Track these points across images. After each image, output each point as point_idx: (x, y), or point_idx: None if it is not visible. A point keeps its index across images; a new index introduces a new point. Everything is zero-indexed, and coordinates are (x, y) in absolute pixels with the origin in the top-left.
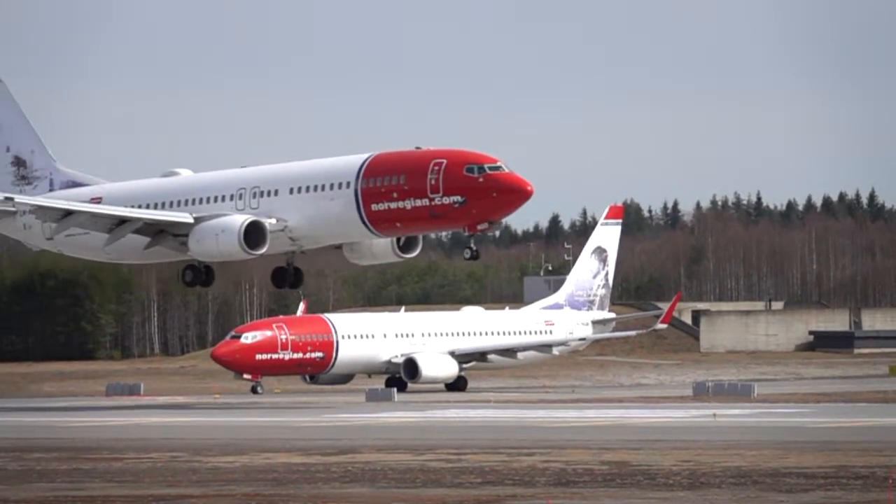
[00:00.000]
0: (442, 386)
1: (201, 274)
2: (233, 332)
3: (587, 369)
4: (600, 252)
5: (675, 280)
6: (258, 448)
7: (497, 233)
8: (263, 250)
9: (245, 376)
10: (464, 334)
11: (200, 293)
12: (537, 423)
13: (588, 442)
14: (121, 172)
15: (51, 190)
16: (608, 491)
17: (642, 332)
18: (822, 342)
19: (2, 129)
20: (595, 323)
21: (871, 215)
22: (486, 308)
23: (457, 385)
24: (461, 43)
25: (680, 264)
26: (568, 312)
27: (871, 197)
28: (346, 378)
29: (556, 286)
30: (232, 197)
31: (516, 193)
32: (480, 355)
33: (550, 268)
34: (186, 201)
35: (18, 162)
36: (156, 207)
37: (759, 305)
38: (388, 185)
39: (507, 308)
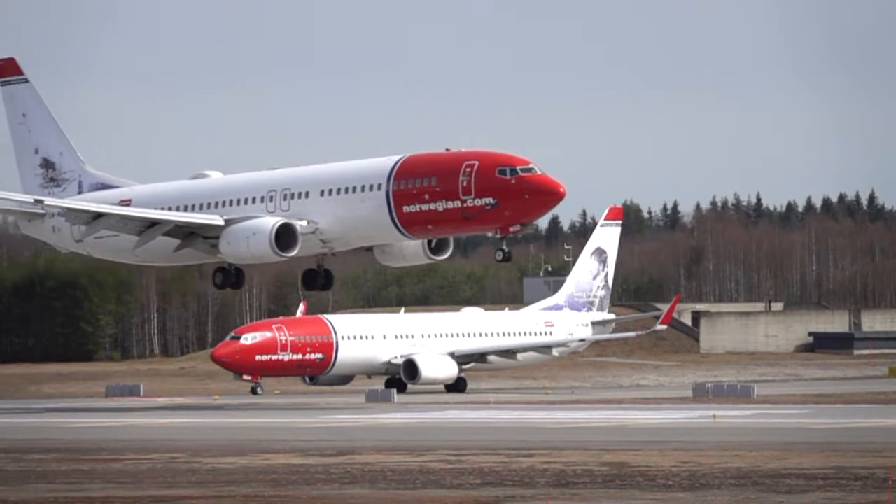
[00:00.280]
0: (441, 387)
1: (231, 276)
2: (232, 334)
3: (587, 370)
4: (600, 253)
5: (674, 281)
6: (257, 449)
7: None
8: (294, 252)
9: (245, 377)
10: (463, 335)
11: (200, 294)
12: (537, 425)
13: (587, 443)
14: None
15: (80, 192)
16: (608, 492)
17: (642, 334)
18: (822, 343)
19: (30, 131)
20: (595, 324)
21: (871, 216)
22: (486, 309)
23: (456, 386)
24: (459, 44)
25: (680, 265)
26: (568, 313)
27: (871, 198)
28: (345, 379)
29: (556, 287)
30: (262, 199)
31: (549, 195)
32: (480, 356)
33: (550, 269)
34: (216, 203)
35: (47, 164)
36: (185, 209)
37: (759, 307)
38: (420, 187)
39: (506, 309)
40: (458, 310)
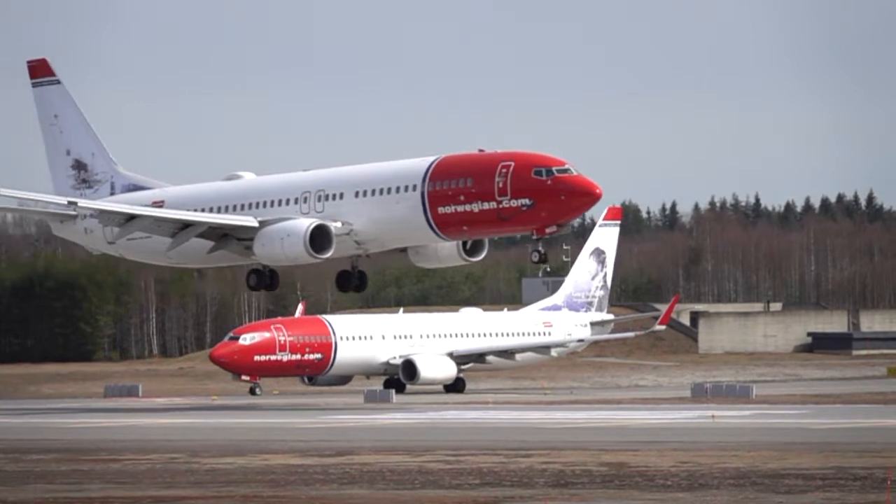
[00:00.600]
0: (440, 387)
1: (266, 278)
2: (231, 334)
3: (585, 370)
4: (599, 253)
5: (673, 281)
6: (256, 449)
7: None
8: (329, 254)
9: (243, 377)
10: (462, 336)
11: (198, 294)
12: (536, 425)
13: (586, 443)
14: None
15: (112, 193)
16: (606, 492)
17: (640, 334)
18: (821, 343)
19: (62, 132)
20: (593, 324)
21: (870, 217)
22: (485, 309)
23: (455, 386)
24: (459, 44)
25: (678, 266)
26: (566, 314)
27: (870, 198)
28: (344, 379)
29: (555, 287)
30: (296, 200)
31: (585, 196)
32: (479, 357)
33: (549, 269)
34: (250, 205)
35: (79, 165)
36: (219, 211)
37: (758, 307)
38: (455, 188)
39: (505, 309)
40: (456, 310)
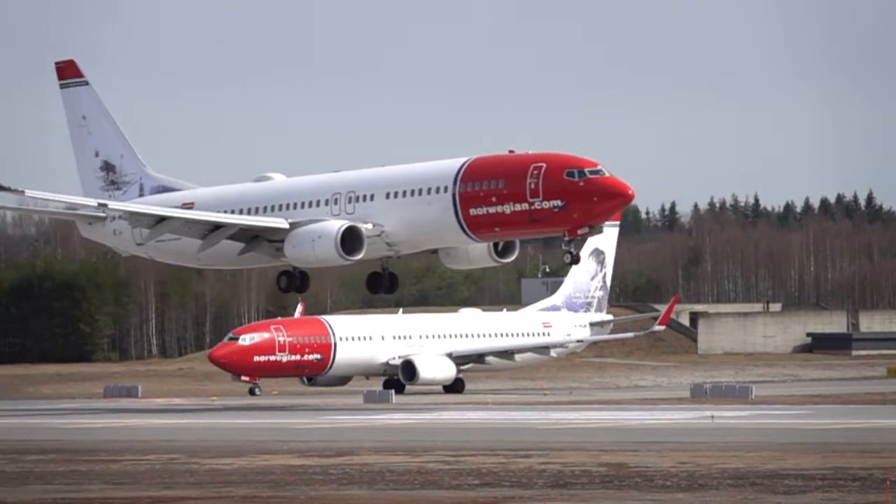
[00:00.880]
0: (440, 388)
1: (296, 280)
2: (231, 334)
3: (585, 371)
4: (598, 254)
5: (672, 282)
6: (256, 450)
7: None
8: (360, 256)
9: (243, 378)
10: (461, 336)
11: (198, 294)
12: (535, 425)
13: (586, 444)
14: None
15: (141, 195)
16: (606, 493)
17: (640, 334)
18: (820, 344)
19: (91, 134)
20: (593, 325)
21: (869, 217)
22: (484, 310)
23: (454, 387)
24: (460, 44)
25: (678, 266)
26: (566, 314)
27: (869, 199)
28: (343, 380)
29: (554, 288)
30: (327, 202)
31: (618, 197)
32: (478, 357)
33: (548, 270)
34: (280, 206)
35: (108, 167)
36: (249, 212)
37: (757, 307)
38: (487, 190)
39: (504, 310)
40: (456, 311)
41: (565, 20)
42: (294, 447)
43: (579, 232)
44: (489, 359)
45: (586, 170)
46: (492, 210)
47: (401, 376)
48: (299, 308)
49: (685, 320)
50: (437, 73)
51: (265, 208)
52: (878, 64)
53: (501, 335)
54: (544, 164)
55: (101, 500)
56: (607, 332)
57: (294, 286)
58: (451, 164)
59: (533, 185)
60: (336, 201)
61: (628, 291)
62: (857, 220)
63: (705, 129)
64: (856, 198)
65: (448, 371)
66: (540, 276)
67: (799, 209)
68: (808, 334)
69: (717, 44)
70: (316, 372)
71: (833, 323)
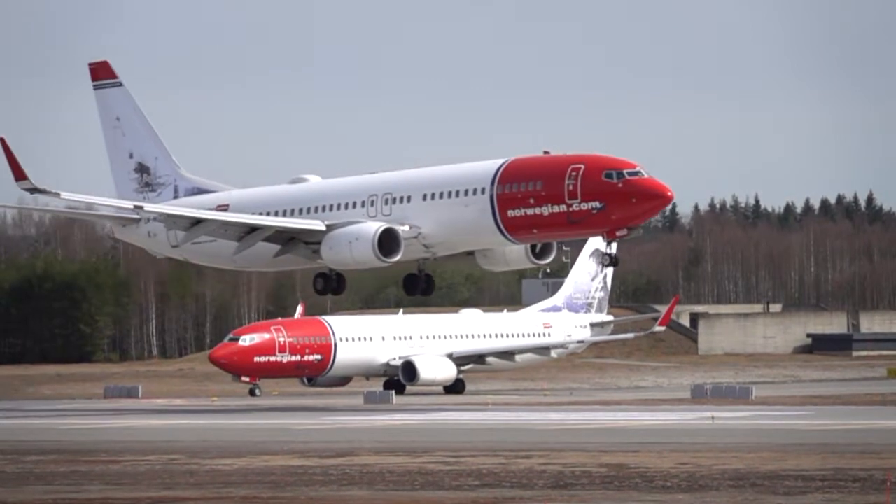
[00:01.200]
0: (440, 388)
1: (333, 282)
2: (231, 335)
3: (585, 372)
4: (598, 255)
5: (673, 283)
6: (256, 450)
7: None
8: (397, 258)
9: (243, 379)
10: (462, 337)
11: (198, 295)
12: (535, 426)
13: (586, 444)
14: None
15: (175, 197)
16: (606, 493)
17: (640, 335)
18: (820, 345)
19: (125, 135)
20: (593, 325)
21: (869, 218)
22: (485, 311)
23: (455, 388)
24: (459, 44)
25: (678, 267)
26: (566, 315)
27: (869, 199)
28: (344, 380)
29: (555, 289)
30: (363, 203)
31: (657, 199)
32: (478, 358)
33: (549, 270)
34: (316, 208)
35: (142, 168)
36: (284, 214)
37: (758, 308)
38: (525, 191)
39: (505, 311)
40: (456, 311)
41: (565, 20)
42: (294, 448)
43: (618, 234)
44: (490, 359)
45: (625, 171)
46: (530, 212)
47: (401, 377)
48: (299, 309)
49: (685, 321)
50: (437, 73)
51: (301, 210)
52: (878, 64)
53: (502, 336)
54: (583, 166)
55: (102, 500)
56: (608, 332)
57: (330, 288)
58: (489, 166)
59: (571, 187)
60: (373, 203)
61: (629, 292)
62: (858, 221)
63: (705, 129)
64: (856, 198)
65: (448, 372)
66: (540, 276)
67: (799, 210)
68: (809, 335)
69: (717, 44)
70: (316, 373)
71: (833, 324)
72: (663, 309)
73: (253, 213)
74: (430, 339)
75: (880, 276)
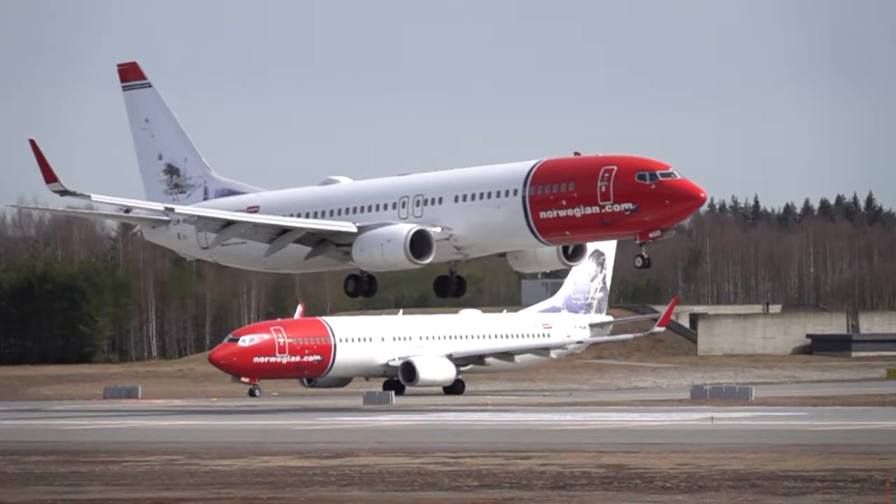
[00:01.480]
0: (440, 389)
1: (364, 283)
2: (230, 336)
3: (585, 372)
4: (598, 255)
5: (672, 283)
6: (256, 451)
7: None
8: (429, 260)
9: (243, 379)
10: (461, 337)
11: (198, 296)
12: (535, 427)
13: (585, 445)
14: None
15: (205, 198)
16: (605, 494)
17: (640, 336)
18: (820, 345)
19: (154, 136)
20: (592, 326)
21: (869, 218)
22: (484, 311)
23: (454, 388)
24: (460, 44)
25: (678, 268)
26: (565, 316)
27: (869, 200)
28: (343, 381)
29: (554, 289)
30: (394, 205)
31: (690, 200)
32: (478, 358)
33: (548, 271)
34: (347, 210)
35: (171, 170)
36: (315, 216)
37: (757, 309)
38: (557, 193)
39: (504, 311)
40: (455, 312)
41: (565, 20)
42: (294, 448)
43: (651, 235)
44: (489, 360)
45: (658, 172)
46: (562, 213)
47: (401, 377)
48: (299, 309)
49: (685, 322)
50: (434, 73)
51: (332, 212)
52: (878, 64)
53: (501, 336)
54: (615, 167)
55: (102, 501)
56: (607, 333)
57: (362, 290)
58: (521, 167)
59: (604, 188)
60: (404, 205)
61: (628, 293)
62: (857, 222)
63: (705, 129)
64: (855, 199)
65: (448, 372)
66: (540, 277)
67: (799, 210)
68: (808, 336)
69: (717, 44)
70: (316, 373)
71: (833, 324)
72: (663, 309)
73: (283, 215)
74: (430, 340)
75: (880, 276)
